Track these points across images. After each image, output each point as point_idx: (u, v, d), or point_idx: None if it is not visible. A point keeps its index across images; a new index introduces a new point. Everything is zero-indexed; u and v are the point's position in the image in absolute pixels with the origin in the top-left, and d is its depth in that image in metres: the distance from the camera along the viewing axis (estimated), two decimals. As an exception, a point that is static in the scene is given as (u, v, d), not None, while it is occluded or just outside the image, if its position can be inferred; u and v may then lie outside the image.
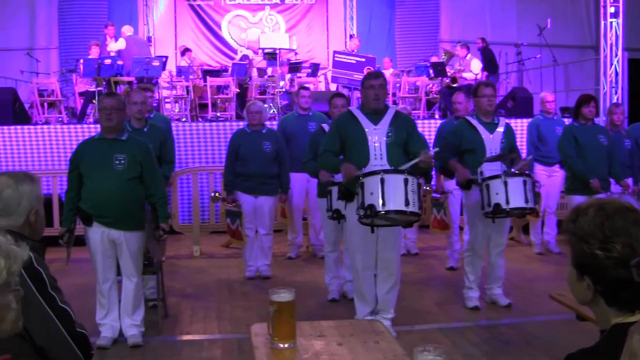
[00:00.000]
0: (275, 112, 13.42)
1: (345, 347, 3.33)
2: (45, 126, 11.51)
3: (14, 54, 15.61)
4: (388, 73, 14.16)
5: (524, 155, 8.02)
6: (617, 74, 13.56)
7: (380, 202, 5.23)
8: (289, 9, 18.15)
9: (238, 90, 13.91)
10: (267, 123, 8.33)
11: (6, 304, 1.93)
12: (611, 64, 13.54)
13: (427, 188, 8.13)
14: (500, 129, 6.60)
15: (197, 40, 17.68)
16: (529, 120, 9.83)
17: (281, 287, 3.32)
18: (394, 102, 13.59)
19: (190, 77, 14.17)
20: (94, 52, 13.13)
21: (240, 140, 7.85)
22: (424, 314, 6.64)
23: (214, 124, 11.71)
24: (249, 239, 7.92)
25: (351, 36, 17.21)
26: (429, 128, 11.29)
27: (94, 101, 12.37)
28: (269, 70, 15.10)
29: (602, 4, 13.69)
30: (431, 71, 14.07)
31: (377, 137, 5.63)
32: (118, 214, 5.51)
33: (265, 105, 9.89)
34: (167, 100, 14.30)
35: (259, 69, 15.52)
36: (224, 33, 17.94)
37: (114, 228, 5.54)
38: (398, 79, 14.49)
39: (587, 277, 1.88)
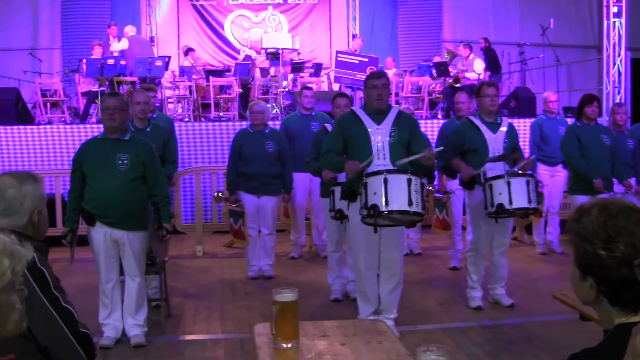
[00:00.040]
0: (278, 112, 13.42)
1: (348, 347, 3.33)
2: (48, 126, 11.53)
3: (17, 54, 15.61)
4: (391, 73, 14.14)
5: (526, 155, 8.01)
6: (620, 73, 13.53)
7: (384, 202, 5.23)
8: (291, 9, 18.16)
9: (241, 90, 13.91)
10: (270, 123, 8.33)
11: (10, 304, 1.93)
12: (614, 64, 13.51)
13: (430, 188, 8.13)
14: (503, 129, 6.59)
15: (199, 40, 17.69)
16: (532, 120, 9.83)
17: (284, 287, 3.32)
18: (397, 102, 13.58)
19: (193, 77, 14.17)
20: (97, 52, 13.13)
21: (243, 140, 7.85)
22: (427, 314, 6.64)
23: (216, 124, 11.72)
24: (252, 239, 7.92)
25: (354, 36, 17.21)
26: (431, 128, 11.28)
27: (96, 101, 12.38)
28: (272, 70, 15.09)
29: (605, 3, 13.65)
30: (434, 71, 14.05)
31: (380, 137, 5.63)
32: (121, 214, 5.51)
33: (268, 105, 9.87)
34: (169, 100, 14.30)
35: (261, 69, 15.52)
36: (227, 33, 17.95)
37: (117, 228, 5.54)
38: (401, 79, 14.48)
39: (591, 277, 1.88)
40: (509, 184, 6.09)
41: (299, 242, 9.20)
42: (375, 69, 13.14)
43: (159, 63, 12.82)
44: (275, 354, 3.25)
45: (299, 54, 16.30)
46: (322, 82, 15.30)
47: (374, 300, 5.85)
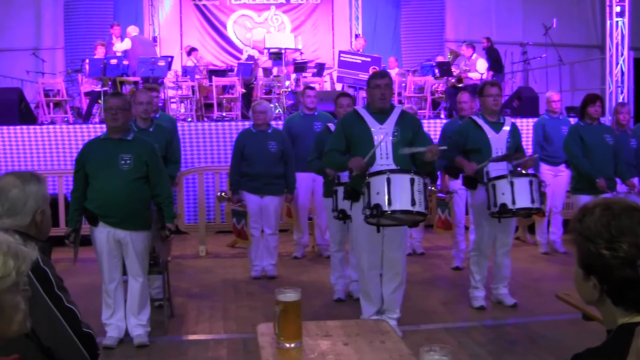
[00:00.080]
0: (281, 111, 13.42)
1: (351, 346, 3.33)
2: (51, 126, 11.54)
3: (20, 54, 15.64)
4: (394, 73, 14.16)
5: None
6: (622, 73, 13.53)
7: (387, 201, 5.23)
8: (294, 9, 18.15)
9: (244, 90, 13.92)
10: (273, 123, 8.33)
11: (15, 305, 1.93)
12: (617, 64, 13.51)
13: (432, 188, 8.13)
14: (507, 128, 6.59)
15: (202, 40, 17.69)
16: (535, 119, 9.82)
17: (287, 287, 3.33)
18: (400, 102, 13.58)
19: (196, 77, 14.18)
20: (100, 52, 13.13)
21: (246, 140, 7.85)
22: (430, 313, 6.64)
23: (219, 123, 11.73)
24: (255, 239, 7.92)
25: (357, 36, 17.21)
26: (434, 128, 11.28)
27: (99, 101, 12.39)
28: (275, 70, 15.10)
29: (607, 3, 13.66)
30: (437, 71, 14.06)
31: (383, 136, 5.63)
32: (124, 214, 5.52)
33: (271, 105, 9.89)
34: (172, 100, 14.31)
35: (264, 69, 15.52)
36: (230, 33, 17.95)
37: (119, 228, 5.55)
38: (404, 79, 14.48)
39: (594, 276, 1.88)
40: (512, 184, 6.08)
41: (302, 242, 9.20)
42: (377, 68, 13.13)
43: (161, 63, 12.82)
44: (278, 353, 3.25)
45: (301, 53, 16.30)
46: (325, 82, 15.29)
47: (376, 300, 5.85)
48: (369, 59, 14.02)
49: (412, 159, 5.69)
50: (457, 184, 8.00)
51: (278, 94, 13.93)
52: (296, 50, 16.15)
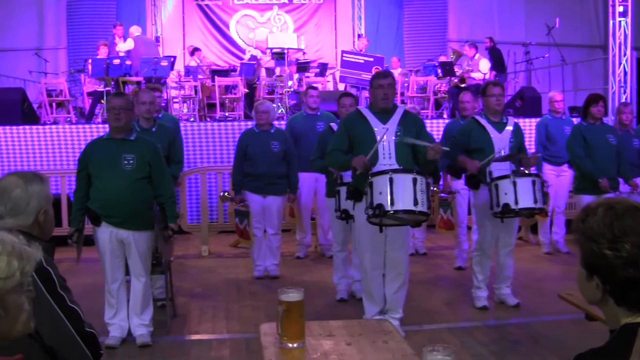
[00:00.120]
0: (284, 111, 13.42)
1: (354, 346, 3.33)
2: (53, 126, 11.55)
3: (22, 54, 15.66)
4: (396, 72, 14.15)
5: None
6: (625, 73, 13.52)
7: (389, 201, 5.23)
8: (297, 9, 18.17)
9: (246, 90, 13.92)
10: (276, 123, 8.32)
11: (19, 305, 1.94)
12: (620, 63, 13.50)
13: (435, 188, 8.12)
14: (509, 128, 6.58)
15: (205, 40, 17.70)
16: (538, 119, 9.81)
17: (290, 287, 3.32)
18: (402, 102, 13.59)
19: (199, 76, 14.19)
20: (103, 52, 13.15)
21: (249, 140, 7.85)
22: (433, 313, 6.64)
23: (222, 123, 11.72)
24: (257, 239, 7.93)
25: (359, 36, 17.21)
26: (437, 128, 11.27)
27: (102, 101, 12.40)
28: (277, 70, 15.10)
29: (610, 3, 13.65)
30: (439, 71, 14.06)
31: (385, 136, 5.63)
32: (126, 213, 5.52)
33: (274, 105, 9.88)
34: (175, 100, 14.33)
35: (267, 69, 15.54)
36: (232, 33, 17.97)
37: (122, 228, 5.55)
38: (406, 79, 14.48)
39: (596, 276, 1.87)
40: (514, 183, 6.08)
41: (305, 242, 9.20)
42: (380, 68, 13.13)
43: (164, 63, 12.84)
44: (281, 353, 3.25)
45: (304, 53, 16.30)
46: (328, 81, 15.29)
47: (379, 300, 5.85)
48: (371, 59, 14.02)
49: (414, 159, 5.69)
50: (459, 184, 8.00)
51: (281, 94, 13.93)
52: (299, 50, 16.15)
